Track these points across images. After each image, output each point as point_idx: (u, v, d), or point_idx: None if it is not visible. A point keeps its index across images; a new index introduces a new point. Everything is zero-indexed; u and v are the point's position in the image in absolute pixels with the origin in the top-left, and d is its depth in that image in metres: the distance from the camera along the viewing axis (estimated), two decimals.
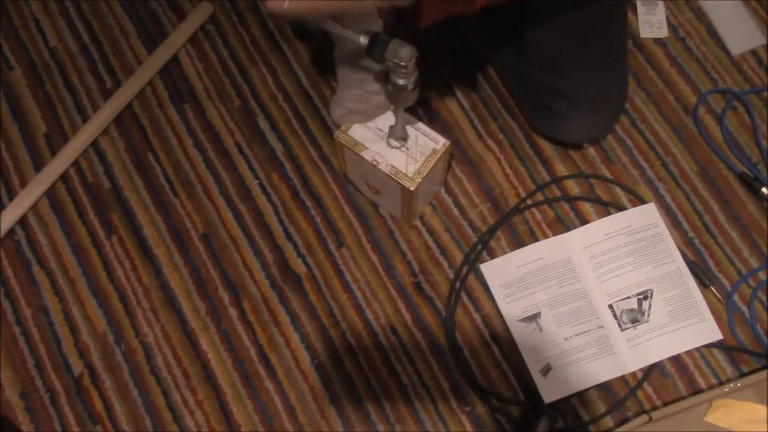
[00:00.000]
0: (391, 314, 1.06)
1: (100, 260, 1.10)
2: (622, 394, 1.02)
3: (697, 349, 1.04)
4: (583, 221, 1.10)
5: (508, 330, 1.04)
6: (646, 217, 1.09)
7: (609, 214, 1.11)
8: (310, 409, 1.02)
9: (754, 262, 1.08)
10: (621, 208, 1.11)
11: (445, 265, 1.09)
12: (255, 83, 1.19)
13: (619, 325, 1.04)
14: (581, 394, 1.02)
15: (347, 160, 1.03)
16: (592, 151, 1.15)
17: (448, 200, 1.12)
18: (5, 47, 1.22)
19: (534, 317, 1.04)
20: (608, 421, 1.01)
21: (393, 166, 0.97)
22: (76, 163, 1.15)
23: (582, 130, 1.09)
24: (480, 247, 1.09)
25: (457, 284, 1.07)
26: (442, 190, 1.13)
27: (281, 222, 1.11)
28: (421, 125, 0.98)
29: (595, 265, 1.06)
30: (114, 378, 1.04)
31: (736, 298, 1.07)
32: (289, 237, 1.10)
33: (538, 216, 1.11)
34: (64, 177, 1.14)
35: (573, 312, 1.04)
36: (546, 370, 1.02)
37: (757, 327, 1.05)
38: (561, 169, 1.14)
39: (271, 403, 1.02)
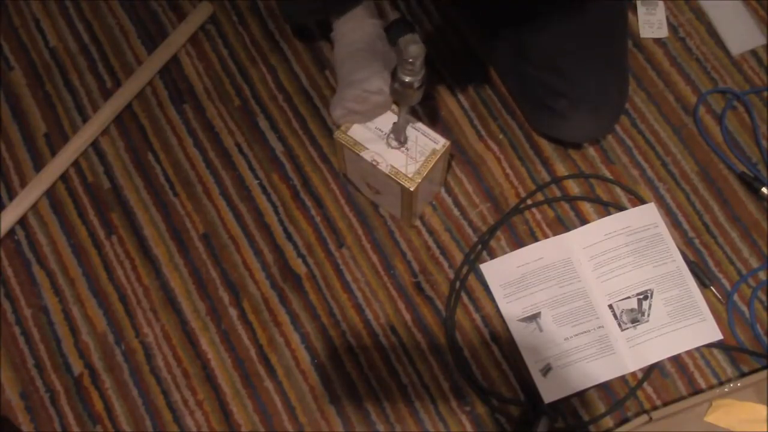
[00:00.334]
0: (391, 314, 1.06)
1: (100, 260, 1.10)
2: (622, 394, 1.02)
3: (697, 349, 1.04)
4: (583, 221, 1.10)
5: (508, 330, 1.04)
6: (646, 217, 1.09)
7: (609, 214, 1.11)
8: (310, 409, 1.02)
9: (754, 262, 1.08)
10: (621, 208, 1.11)
11: (445, 265, 1.09)
12: (255, 83, 1.19)
13: (619, 325, 1.04)
14: (581, 394, 1.02)
15: (347, 160, 1.03)
16: (592, 151, 1.15)
17: (448, 200, 1.12)
18: (5, 47, 1.22)
19: (534, 317, 1.04)
20: (608, 421, 1.01)
21: (393, 167, 0.97)
22: (76, 163, 1.15)
23: (582, 130, 1.09)
24: (480, 247, 1.09)
25: (457, 284, 1.07)
26: (442, 190, 1.13)
27: (281, 222, 1.11)
28: (420, 125, 0.98)
29: (595, 265, 1.06)
30: (114, 378, 1.04)
31: (736, 298, 1.07)
32: (289, 237, 1.10)
33: (538, 216, 1.11)
34: (64, 177, 1.14)
35: (573, 312, 1.04)
36: (546, 370, 1.02)
37: (757, 327, 1.05)
38: (561, 169, 1.14)
39: (271, 403, 1.02)
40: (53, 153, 1.15)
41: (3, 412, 1.02)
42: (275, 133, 1.16)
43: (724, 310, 1.06)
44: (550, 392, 1.01)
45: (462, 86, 1.18)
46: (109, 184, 1.14)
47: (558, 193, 1.12)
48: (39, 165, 1.14)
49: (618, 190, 1.13)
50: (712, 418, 0.98)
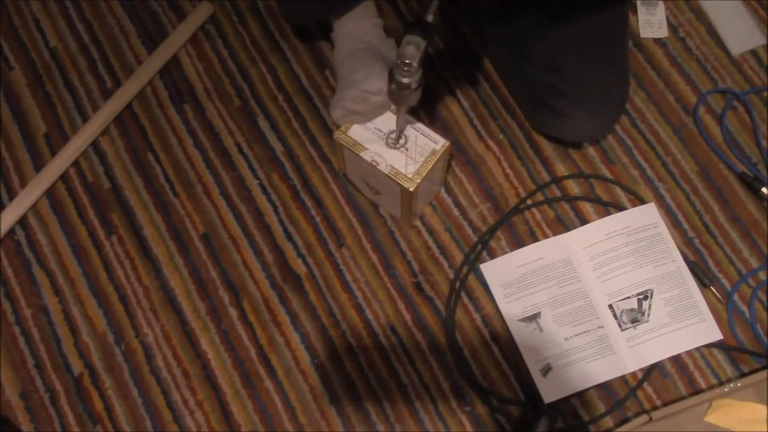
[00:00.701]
0: (391, 314, 1.06)
1: (100, 260, 1.10)
2: (622, 394, 1.02)
3: (697, 349, 1.04)
4: (583, 221, 1.10)
5: (508, 330, 1.04)
6: (646, 217, 1.09)
7: (609, 214, 1.11)
8: (310, 409, 1.02)
9: (754, 262, 1.08)
10: (621, 208, 1.11)
11: (445, 265, 1.09)
12: (255, 83, 1.19)
13: (619, 325, 1.04)
14: (581, 394, 1.02)
15: (347, 160, 1.03)
16: (592, 151, 1.15)
17: (448, 200, 1.12)
18: (5, 47, 1.22)
19: (534, 317, 1.04)
20: (608, 421, 1.01)
21: (392, 167, 0.97)
22: (76, 163, 1.15)
23: (583, 130, 1.09)
24: (480, 247, 1.09)
25: (457, 284, 1.07)
26: (442, 190, 1.13)
27: (281, 222, 1.11)
28: (420, 125, 0.98)
29: (595, 265, 1.06)
30: (114, 378, 1.04)
31: (736, 298, 1.07)
32: (289, 237, 1.10)
33: (538, 216, 1.11)
34: (64, 177, 1.14)
35: (573, 312, 1.04)
36: (546, 370, 1.02)
37: (757, 327, 1.05)
38: (561, 169, 1.14)
39: (271, 403, 1.02)
40: (53, 153, 1.15)
41: (3, 412, 1.02)
42: (275, 133, 1.16)
43: (724, 310, 1.06)
44: (550, 392, 1.01)
45: (462, 86, 1.18)
46: (109, 184, 1.14)
47: (558, 193, 1.12)
48: (39, 165, 1.15)
49: (618, 190, 1.13)
50: (712, 418, 0.98)
